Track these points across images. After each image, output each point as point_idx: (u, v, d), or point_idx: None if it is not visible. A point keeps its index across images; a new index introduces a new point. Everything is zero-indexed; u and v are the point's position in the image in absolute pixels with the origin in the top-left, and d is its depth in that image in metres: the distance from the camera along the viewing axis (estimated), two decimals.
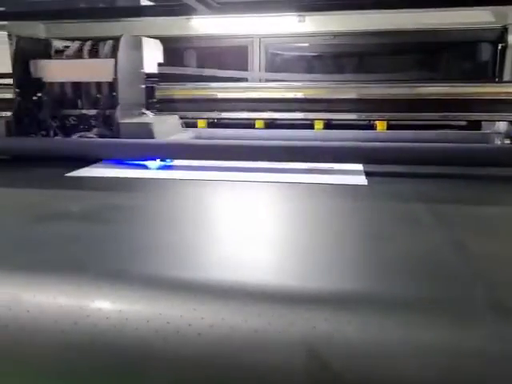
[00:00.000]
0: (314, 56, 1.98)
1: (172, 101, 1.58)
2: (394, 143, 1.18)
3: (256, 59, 1.86)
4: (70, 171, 1.18)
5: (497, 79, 1.72)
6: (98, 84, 1.42)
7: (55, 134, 1.44)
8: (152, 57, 1.47)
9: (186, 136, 1.44)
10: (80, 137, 1.40)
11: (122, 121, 1.36)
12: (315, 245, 0.69)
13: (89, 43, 1.42)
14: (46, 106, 1.44)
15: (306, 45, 1.93)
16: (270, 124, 1.78)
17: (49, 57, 1.43)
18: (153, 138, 1.29)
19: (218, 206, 0.95)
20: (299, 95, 1.61)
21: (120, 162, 1.25)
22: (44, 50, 1.43)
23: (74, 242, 0.69)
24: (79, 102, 1.45)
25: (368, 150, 1.14)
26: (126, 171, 1.20)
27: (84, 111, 1.44)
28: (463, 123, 1.72)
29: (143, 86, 1.49)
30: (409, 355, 0.44)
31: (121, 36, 1.34)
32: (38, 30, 1.84)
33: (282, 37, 1.83)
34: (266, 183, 1.08)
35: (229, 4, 1.21)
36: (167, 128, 1.39)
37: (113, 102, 1.39)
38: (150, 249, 0.67)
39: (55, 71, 1.41)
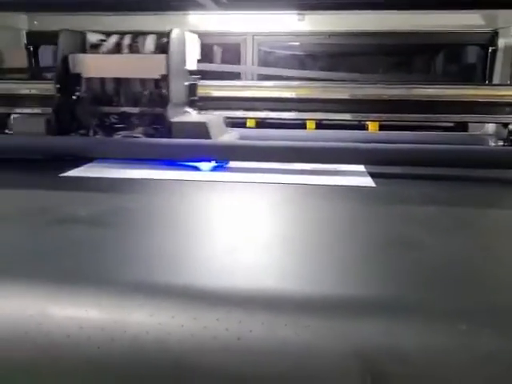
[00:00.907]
0: (308, 55, 1.97)
1: (214, 99, 1.49)
2: (400, 145, 1.18)
3: (249, 57, 1.83)
4: (64, 171, 1.13)
5: (487, 82, 1.76)
6: (143, 80, 1.33)
7: (95, 133, 1.34)
8: (193, 53, 1.40)
9: (232, 136, 1.37)
10: (125, 136, 1.30)
11: (175, 120, 1.26)
12: (347, 252, 0.67)
13: (128, 37, 1.33)
14: (85, 104, 1.34)
15: (300, 43, 1.91)
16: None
17: (84, 51, 1.34)
18: (209, 138, 1.21)
19: (225, 209, 0.91)
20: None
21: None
22: (80, 44, 1.34)
23: (89, 249, 0.65)
24: (121, 100, 1.35)
25: (374, 151, 1.14)
26: (122, 171, 1.15)
27: (126, 109, 1.34)
28: (450, 124, 1.74)
29: (187, 83, 1.40)
30: (472, 367, 0.43)
31: (171, 30, 1.26)
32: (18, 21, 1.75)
33: (277, 35, 1.81)
34: (269, 184, 1.06)
35: (237, 0, 1.17)
36: (219, 127, 1.32)
37: (160, 100, 1.30)
38: (176, 256, 0.63)
39: (98, 66, 1.31)
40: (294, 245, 0.69)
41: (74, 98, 1.34)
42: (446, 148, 1.14)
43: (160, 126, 1.30)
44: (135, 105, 1.35)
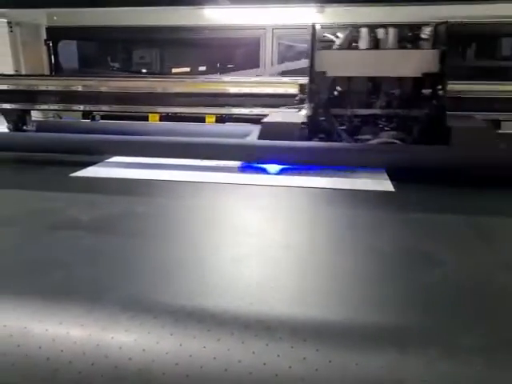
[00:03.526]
0: None
1: None
2: (418, 145, 1.11)
3: (268, 51, 1.78)
4: (74, 171, 1.11)
5: None
6: (403, 79, 1.19)
7: (338, 137, 1.21)
8: None
9: None
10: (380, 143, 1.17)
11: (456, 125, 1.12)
12: (353, 273, 0.61)
13: (364, 31, 1.20)
14: (331, 105, 1.22)
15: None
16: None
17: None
18: None
19: (241, 212, 0.87)
20: None
21: None
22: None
23: (89, 260, 0.62)
24: (371, 101, 1.22)
25: (393, 152, 1.07)
26: (133, 171, 1.12)
27: (377, 111, 1.21)
28: None
29: None
30: None
31: (443, 23, 1.14)
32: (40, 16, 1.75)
33: (296, 28, 1.74)
34: (278, 187, 1.00)
35: None
36: None
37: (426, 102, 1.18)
38: (170, 274, 0.59)
39: (350, 64, 1.18)
40: (295, 261, 0.64)
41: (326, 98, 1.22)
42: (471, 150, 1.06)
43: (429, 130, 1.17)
44: (390, 106, 1.21)
